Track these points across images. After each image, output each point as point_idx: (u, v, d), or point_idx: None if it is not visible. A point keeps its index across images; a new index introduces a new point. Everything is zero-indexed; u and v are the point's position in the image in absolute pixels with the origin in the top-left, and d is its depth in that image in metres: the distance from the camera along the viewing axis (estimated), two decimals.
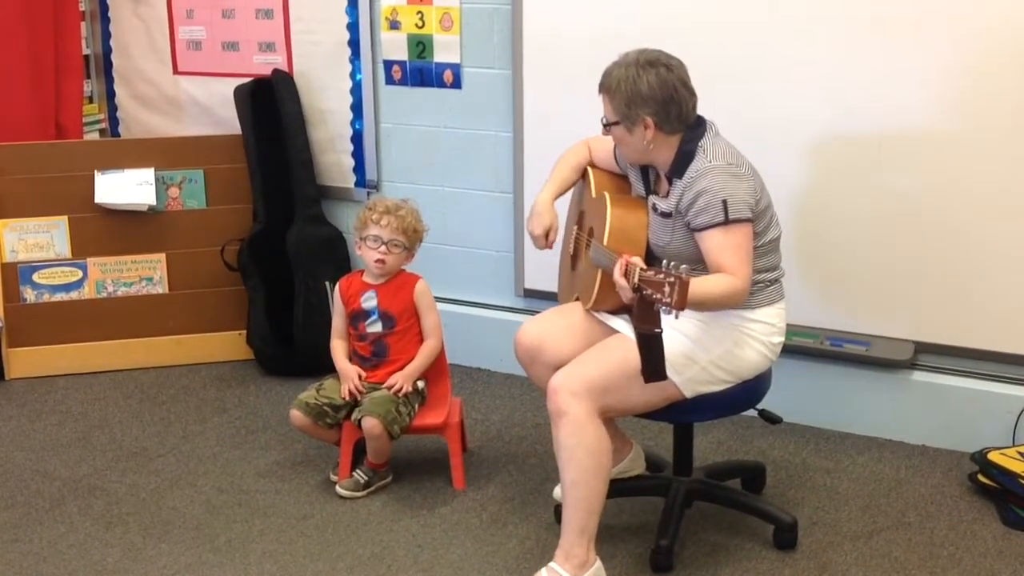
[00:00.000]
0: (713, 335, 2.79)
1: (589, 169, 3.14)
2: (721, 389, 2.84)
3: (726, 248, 2.68)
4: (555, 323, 3.00)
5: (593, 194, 3.06)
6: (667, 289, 2.39)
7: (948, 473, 3.45)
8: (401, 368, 3.39)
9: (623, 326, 2.86)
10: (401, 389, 3.33)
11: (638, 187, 2.98)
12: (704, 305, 2.57)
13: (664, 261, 2.46)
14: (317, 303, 4.23)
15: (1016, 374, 3.49)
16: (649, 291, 2.44)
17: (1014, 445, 3.38)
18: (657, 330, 2.51)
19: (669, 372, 2.65)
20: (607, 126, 2.84)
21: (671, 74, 2.75)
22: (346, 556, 3.05)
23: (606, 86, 2.80)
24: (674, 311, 2.41)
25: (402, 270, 3.44)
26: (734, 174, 2.72)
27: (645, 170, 2.94)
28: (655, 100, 2.73)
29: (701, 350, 2.78)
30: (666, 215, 2.81)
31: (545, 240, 3.10)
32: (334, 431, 3.41)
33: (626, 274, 2.53)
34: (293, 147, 4.40)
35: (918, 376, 3.62)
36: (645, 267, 2.50)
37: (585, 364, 2.78)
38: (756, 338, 2.84)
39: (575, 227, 3.17)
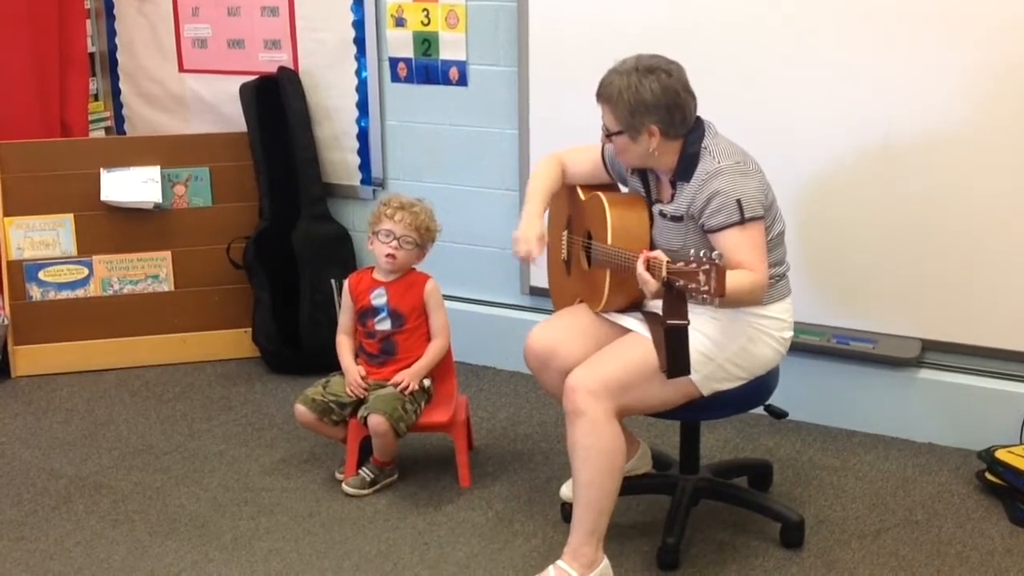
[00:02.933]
0: (728, 332, 2.78)
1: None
2: (736, 386, 2.84)
3: (744, 246, 2.67)
4: (565, 327, 2.98)
5: (583, 197, 3.03)
6: (702, 277, 2.38)
7: (955, 471, 3.45)
8: (408, 367, 3.39)
9: (636, 325, 2.85)
10: (408, 387, 3.33)
11: (638, 191, 2.96)
12: (731, 299, 2.53)
13: (692, 251, 2.44)
14: (323, 301, 4.23)
15: (1023, 372, 3.48)
16: (682, 282, 2.42)
17: (1021, 443, 3.37)
18: (685, 322, 2.50)
19: None
20: (609, 136, 2.81)
21: (672, 79, 2.73)
22: (352, 554, 3.05)
23: (606, 96, 2.76)
24: (714, 298, 2.38)
25: (412, 269, 3.44)
26: (743, 172, 2.72)
27: (645, 178, 2.92)
28: (659, 107, 2.71)
29: (718, 348, 2.78)
30: (677, 219, 2.79)
31: (536, 250, 2.91)
32: (339, 428, 3.41)
33: (649, 268, 2.52)
34: (299, 145, 4.40)
35: (925, 374, 3.62)
36: (671, 260, 2.48)
37: (603, 363, 2.77)
38: (769, 333, 2.84)
39: (564, 232, 3.15)
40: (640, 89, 2.70)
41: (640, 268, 2.54)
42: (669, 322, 2.51)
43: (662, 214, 2.84)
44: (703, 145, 2.76)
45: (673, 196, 2.81)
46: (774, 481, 3.36)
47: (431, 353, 3.41)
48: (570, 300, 3.11)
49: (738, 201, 2.68)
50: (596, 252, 2.89)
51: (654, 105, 2.71)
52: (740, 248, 2.68)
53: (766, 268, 2.71)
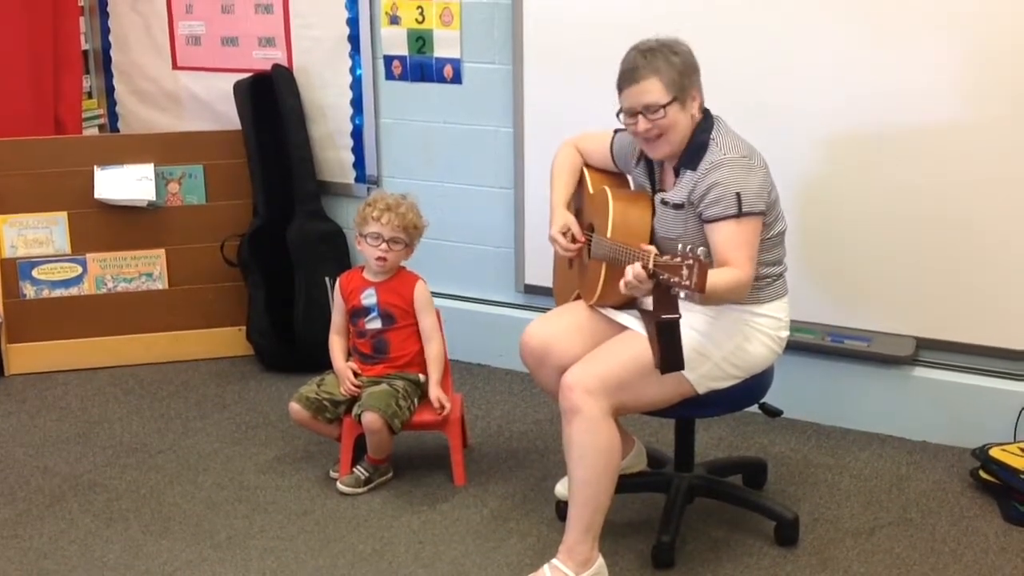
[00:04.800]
0: (724, 331, 2.79)
1: (584, 168, 3.13)
2: (731, 384, 2.84)
3: (735, 242, 2.68)
4: (561, 324, 2.98)
5: (591, 190, 3.05)
6: (685, 272, 2.38)
7: (949, 469, 3.45)
8: (402, 365, 3.40)
9: (632, 322, 2.86)
10: (443, 405, 3.36)
11: (643, 184, 2.97)
12: (712, 296, 2.55)
13: (680, 245, 2.43)
14: (317, 299, 4.22)
15: (1017, 370, 3.49)
16: (666, 276, 2.42)
17: (1015, 441, 3.38)
18: (676, 316, 2.50)
19: (683, 367, 2.64)
20: (659, 108, 2.71)
21: (688, 53, 2.79)
22: (347, 552, 3.05)
23: (652, 68, 2.71)
24: (695, 294, 2.39)
25: (402, 267, 3.43)
26: (747, 167, 2.72)
27: (650, 166, 2.93)
28: (696, 69, 2.77)
29: (713, 346, 2.78)
30: (678, 206, 2.79)
31: (567, 239, 2.99)
32: (333, 426, 3.41)
33: (643, 264, 2.51)
34: (293, 143, 4.40)
35: (919, 372, 3.62)
36: (658, 253, 2.48)
37: (599, 361, 2.77)
38: (765, 332, 2.84)
39: None
40: (681, 54, 2.74)
41: (637, 267, 2.53)
42: (661, 316, 2.51)
43: (664, 202, 2.84)
44: (712, 136, 2.77)
45: (676, 183, 2.82)
46: (769, 479, 3.36)
47: (434, 362, 3.39)
48: (569, 292, 3.12)
49: (737, 194, 2.68)
50: (595, 245, 2.89)
51: (694, 66, 2.76)
52: (731, 242, 2.68)
53: (752, 267, 2.70)
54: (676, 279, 2.40)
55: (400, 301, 3.40)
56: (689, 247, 2.41)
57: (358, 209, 3.42)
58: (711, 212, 2.70)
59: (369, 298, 3.40)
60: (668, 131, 2.77)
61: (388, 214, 3.33)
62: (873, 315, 3.62)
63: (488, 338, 4.23)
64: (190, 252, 4.45)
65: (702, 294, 2.40)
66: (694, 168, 2.76)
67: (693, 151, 2.77)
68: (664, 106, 2.73)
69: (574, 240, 3.00)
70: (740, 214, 2.68)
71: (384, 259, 3.35)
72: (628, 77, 2.75)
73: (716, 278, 2.54)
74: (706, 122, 2.80)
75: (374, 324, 3.41)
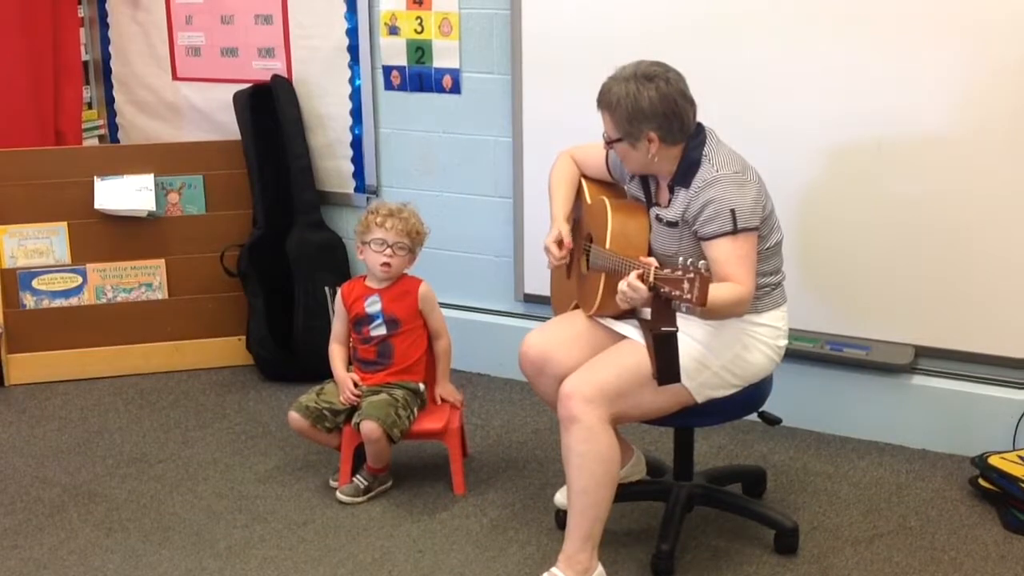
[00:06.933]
0: (723, 340, 2.79)
1: (581, 179, 3.14)
2: (730, 393, 2.85)
3: (734, 258, 2.68)
4: (560, 333, 2.98)
5: (589, 201, 3.05)
6: (686, 285, 2.39)
7: (949, 477, 3.45)
8: (403, 372, 3.40)
9: (631, 331, 2.86)
10: (456, 398, 3.50)
11: (637, 196, 2.97)
12: (713, 311, 2.56)
13: (681, 259, 2.44)
14: (317, 308, 4.23)
15: (1016, 378, 3.49)
16: (667, 289, 2.43)
17: (1015, 449, 3.38)
18: (673, 328, 2.51)
19: (682, 377, 2.65)
20: (609, 143, 2.83)
21: (670, 87, 2.73)
22: (347, 561, 3.05)
23: (606, 103, 2.78)
24: (696, 307, 2.39)
25: (404, 274, 3.44)
26: (741, 182, 2.72)
27: (645, 181, 2.93)
28: (657, 115, 2.71)
29: (712, 355, 2.78)
30: (672, 224, 2.80)
31: (559, 249, 3.00)
32: (333, 435, 3.41)
33: (640, 275, 2.53)
34: (292, 153, 4.40)
35: (918, 380, 3.62)
36: (659, 266, 2.49)
37: (597, 370, 2.77)
38: (763, 341, 2.85)
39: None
40: (638, 97, 2.71)
41: (632, 277, 2.54)
42: (659, 329, 2.52)
43: (658, 219, 2.84)
44: (704, 152, 2.77)
45: (670, 201, 2.82)
46: (768, 487, 3.36)
47: (442, 356, 3.50)
48: (567, 302, 3.12)
49: (732, 211, 2.68)
50: (594, 255, 2.90)
51: (652, 113, 2.71)
52: (729, 259, 2.68)
53: (752, 282, 2.71)
54: (677, 293, 2.41)
55: (405, 306, 3.41)
56: (690, 260, 2.42)
57: (360, 218, 3.43)
58: (707, 230, 2.71)
59: (373, 305, 3.41)
60: (622, 158, 2.87)
61: (392, 219, 3.35)
62: (872, 323, 3.62)
63: (487, 347, 4.23)
64: (190, 262, 4.46)
65: (703, 308, 2.40)
66: (687, 186, 2.76)
67: (686, 168, 2.78)
68: (612, 141, 2.82)
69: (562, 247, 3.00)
70: (736, 230, 2.68)
71: (388, 265, 3.36)
72: (597, 100, 2.81)
73: (717, 292, 2.55)
74: (697, 138, 2.79)
75: (379, 331, 3.41)
